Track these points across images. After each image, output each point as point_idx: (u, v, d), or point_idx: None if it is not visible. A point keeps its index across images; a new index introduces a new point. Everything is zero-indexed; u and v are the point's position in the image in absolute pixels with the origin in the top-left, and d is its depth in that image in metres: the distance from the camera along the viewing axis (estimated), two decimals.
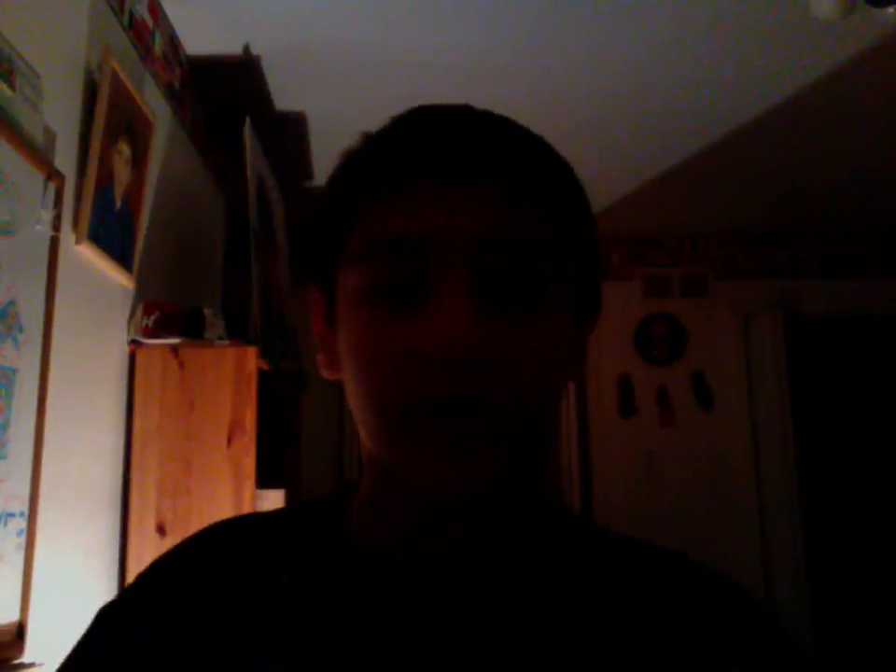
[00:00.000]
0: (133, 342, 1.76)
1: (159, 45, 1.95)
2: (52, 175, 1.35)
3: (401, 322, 0.45)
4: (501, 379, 0.44)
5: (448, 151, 0.46)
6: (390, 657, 0.46)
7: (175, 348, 1.76)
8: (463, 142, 0.47)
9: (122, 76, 1.62)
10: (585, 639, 0.47)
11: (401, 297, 0.45)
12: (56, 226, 1.36)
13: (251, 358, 1.78)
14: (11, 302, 1.21)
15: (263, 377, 1.82)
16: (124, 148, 1.67)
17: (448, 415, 0.43)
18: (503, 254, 0.45)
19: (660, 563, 0.53)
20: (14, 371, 1.22)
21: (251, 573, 0.50)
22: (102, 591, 1.63)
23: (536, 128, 0.51)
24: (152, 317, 1.75)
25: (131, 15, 1.77)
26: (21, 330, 1.24)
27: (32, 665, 1.23)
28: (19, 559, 1.23)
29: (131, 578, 1.70)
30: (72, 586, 1.48)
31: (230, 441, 1.73)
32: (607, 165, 2.82)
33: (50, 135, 1.38)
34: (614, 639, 0.47)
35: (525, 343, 0.45)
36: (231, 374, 1.76)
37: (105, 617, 0.51)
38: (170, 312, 1.78)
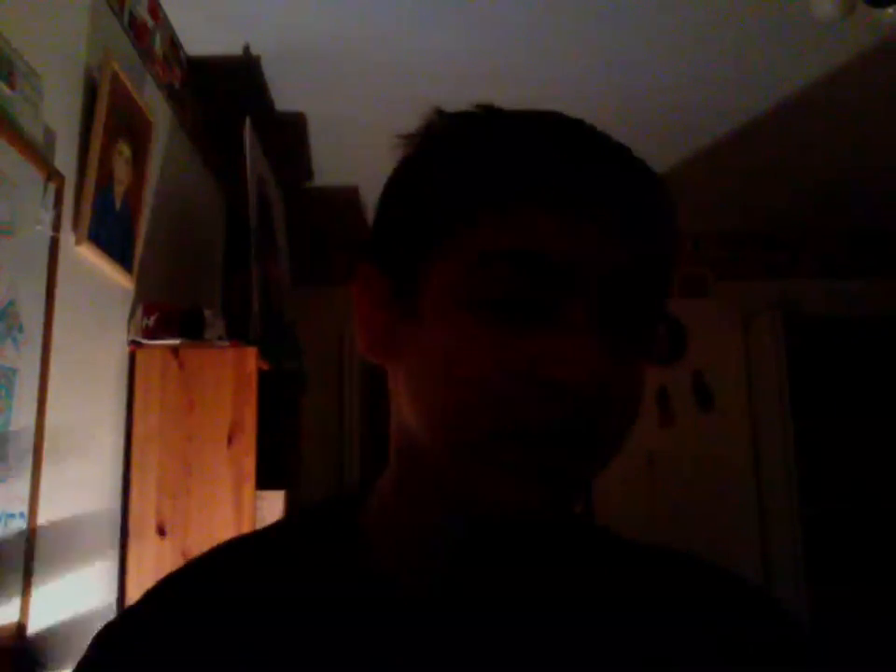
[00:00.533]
0: (132, 342, 1.76)
1: (159, 45, 1.95)
2: (52, 174, 1.35)
3: (513, 341, 0.43)
4: (609, 416, 0.44)
5: (585, 175, 0.44)
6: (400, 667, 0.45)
7: (174, 349, 1.76)
8: (597, 166, 0.45)
9: (122, 76, 1.62)
10: (610, 654, 0.47)
11: (518, 315, 0.43)
12: (56, 226, 1.36)
13: (251, 358, 1.78)
14: (11, 302, 1.21)
15: (263, 377, 1.82)
16: (124, 148, 1.67)
17: (546, 445, 0.42)
18: (630, 290, 0.44)
19: (675, 565, 0.54)
20: (14, 370, 1.22)
21: (264, 590, 0.49)
22: (102, 591, 1.63)
23: None
24: (152, 318, 1.75)
25: (131, 15, 1.77)
26: (20, 330, 1.24)
27: (32, 664, 1.23)
28: (19, 560, 1.23)
29: (131, 578, 1.70)
30: (72, 586, 1.48)
31: (230, 441, 1.73)
32: None
33: (50, 135, 1.38)
34: (638, 650, 0.47)
35: (634, 383, 0.45)
36: (231, 374, 1.76)
37: (109, 633, 0.50)
38: (170, 312, 1.78)
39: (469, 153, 0.46)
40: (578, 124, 0.48)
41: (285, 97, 2.39)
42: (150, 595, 0.52)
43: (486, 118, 0.48)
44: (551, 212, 0.43)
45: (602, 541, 0.54)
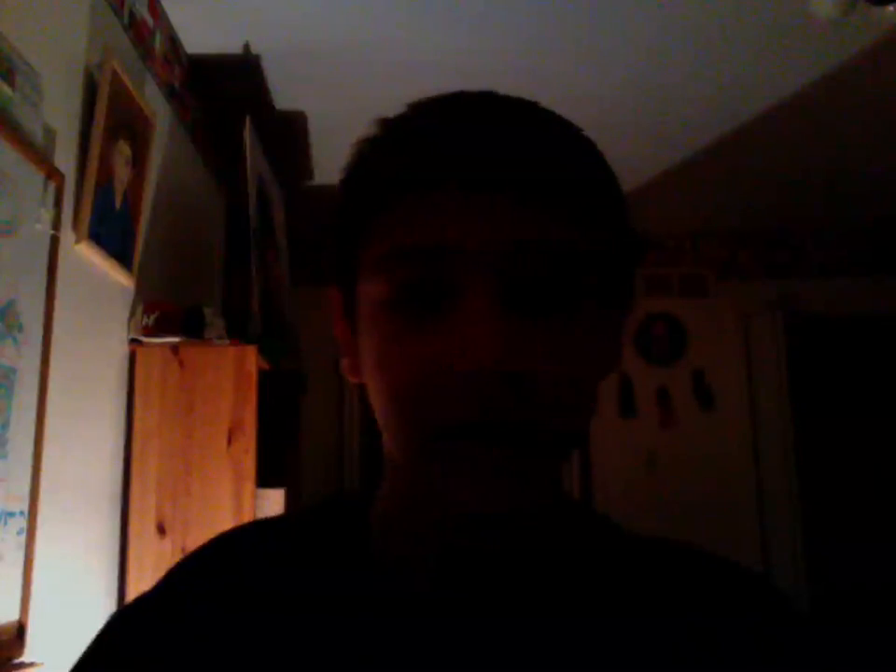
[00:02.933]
0: (133, 341, 1.76)
1: (159, 45, 1.95)
2: (52, 174, 1.35)
3: (424, 333, 0.43)
4: (536, 392, 0.42)
5: (470, 152, 0.43)
6: (405, 666, 0.45)
7: (175, 348, 1.76)
8: (487, 140, 0.43)
9: (122, 76, 1.62)
10: (611, 652, 0.46)
11: (423, 306, 0.43)
12: (56, 225, 1.36)
13: (251, 358, 1.77)
14: (11, 302, 1.21)
15: (263, 377, 1.82)
16: (124, 148, 1.67)
17: (480, 434, 0.42)
18: (530, 259, 0.42)
19: (674, 557, 0.54)
20: (14, 370, 1.22)
21: (265, 583, 0.49)
22: (102, 590, 1.63)
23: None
24: (152, 317, 1.75)
25: (131, 15, 1.77)
26: (20, 330, 1.24)
27: (32, 664, 1.23)
28: (19, 559, 1.23)
29: (131, 577, 1.70)
30: (72, 586, 1.48)
31: (230, 440, 1.73)
32: None
33: (50, 135, 1.38)
34: (636, 647, 0.47)
35: (556, 350, 0.43)
36: (231, 374, 1.76)
37: (115, 626, 0.51)
38: (170, 311, 1.78)
39: (371, 156, 0.47)
40: (489, 102, 0.46)
41: (285, 97, 2.39)
42: (161, 587, 0.52)
43: (392, 122, 0.48)
44: (441, 196, 0.43)
45: (601, 532, 0.54)
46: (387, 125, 0.48)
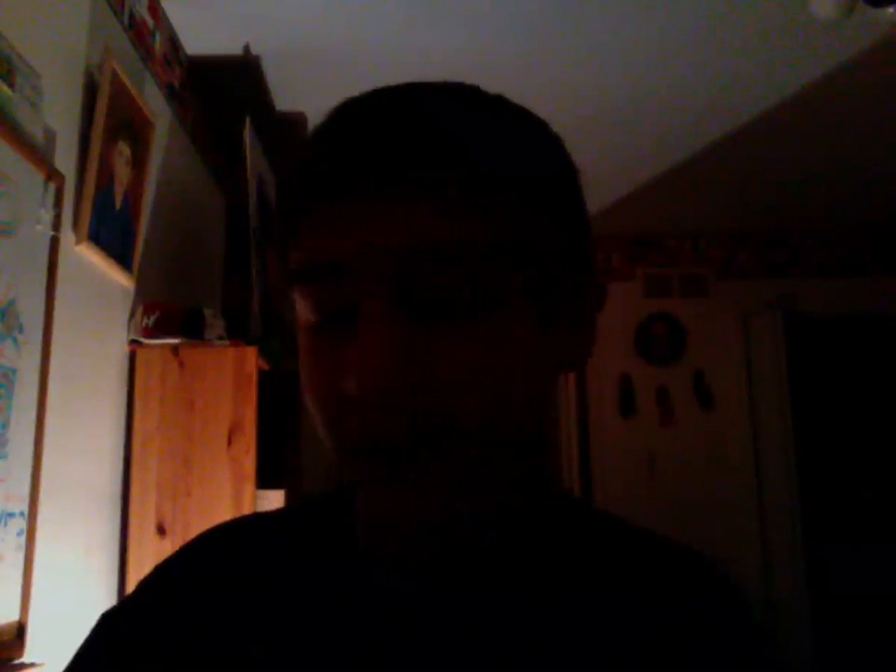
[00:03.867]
0: (133, 342, 1.76)
1: (159, 45, 1.95)
2: (52, 174, 1.35)
3: (332, 352, 0.42)
4: (444, 399, 0.40)
5: (375, 159, 0.41)
6: (394, 658, 0.45)
7: (175, 348, 1.76)
8: (393, 146, 0.41)
9: (122, 76, 1.62)
10: (580, 639, 0.47)
11: (333, 323, 0.42)
12: (56, 226, 1.36)
13: (251, 358, 1.77)
14: (11, 302, 1.21)
15: (263, 377, 1.82)
16: (124, 148, 1.67)
17: (392, 455, 0.41)
18: (432, 266, 0.40)
19: (628, 541, 0.53)
20: (14, 370, 1.22)
21: (257, 575, 0.50)
22: (102, 591, 1.63)
23: None
24: (152, 317, 1.75)
25: (131, 15, 1.77)
26: (20, 330, 1.24)
27: (32, 665, 1.23)
28: (19, 559, 1.23)
29: (131, 578, 1.70)
30: (72, 586, 1.48)
31: (230, 441, 1.73)
32: (606, 165, 2.82)
33: (50, 135, 1.38)
34: (600, 632, 0.47)
35: (468, 359, 0.41)
36: (231, 374, 1.76)
37: (109, 621, 0.51)
38: (170, 312, 1.78)
39: (282, 181, 0.47)
40: (405, 100, 0.45)
41: (285, 97, 2.39)
42: (147, 585, 0.52)
43: (320, 125, 0.46)
44: (339, 209, 0.41)
45: (581, 529, 0.53)
46: (314, 130, 0.47)
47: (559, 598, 0.47)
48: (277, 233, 0.46)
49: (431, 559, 0.47)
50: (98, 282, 1.62)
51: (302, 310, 0.44)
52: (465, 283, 0.41)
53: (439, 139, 0.41)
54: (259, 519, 0.57)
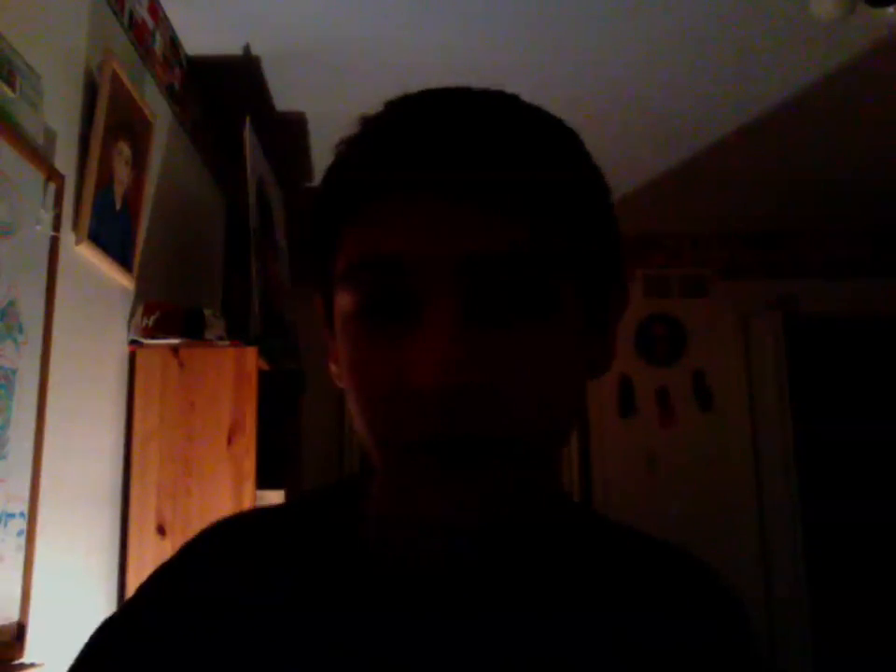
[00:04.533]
0: (133, 342, 1.76)
1: (159, 45, 1.95)
2: (52, 175, 1.35)
3: (390, 346, 0.42)
4: (501, 405, 0.41)
5: (433, 157, 0.42)
6: (401, 660, 0.45)
7: (175, 348, 1.76)
8: (455, 145, 0.42)
9: (122, 76, 1.62)
10: (583, 647, 0.47)
11: (389, 319, 0.42)
12: (56, 226, 1.36)
13: (251, 358, 1.78)
14: (11, 303, 1.21)
15: (263, 377, 1.82)
16: (124, 148, 1.67)
17: (444, 452, 0.41)
18: (495, 268, 0.41)
19: (654, 560, 0.55)
20: (14, 371, 1.22)
21: (262, 574, 0.49)
22: (102, 591, 1.64)
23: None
24: (152, 317, 1.75)
25: (131, 15, 1.77)
26: (20, 331, 1.24)
27: (32, 665, 1.23)
28: (19, 559, 1.23)
29: (131, 578, 1.70)
30: (72, 586, 1.48)
31: (230, 441, 1.73)
32: (606, 165, 2.80)
33: (50, 135, 1.38)
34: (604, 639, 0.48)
35: (522, 360, 0.42)
36: (231, 374, 1.76)
37: (109, 628, 0.50)
38: (170, 312, 1.78)
39: (340, 166, 0.47)
40: (458, 102, 0.45)
41: (285, 97, 2.39)
42: (147, 589, 0.51)
43: (377, 118, 0.46)
44: (395, 210, 0.42)
45: (591, 536, 0.54)
46: (362, 126, 0.47)
47: (566, 608, 0.48)
48: (328, 220, 0.46)
49: (447, 563, 0.47)
50: (98, 282, 1.62)
51: (352, 302, 0.44)
52: (526, 289, 0.42)
53: (507, 148, 0.42)
54: (259, 516, 0.56)
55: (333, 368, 0.52)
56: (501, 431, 0.41)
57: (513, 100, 0.47)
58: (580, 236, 0.45)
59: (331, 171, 0.48)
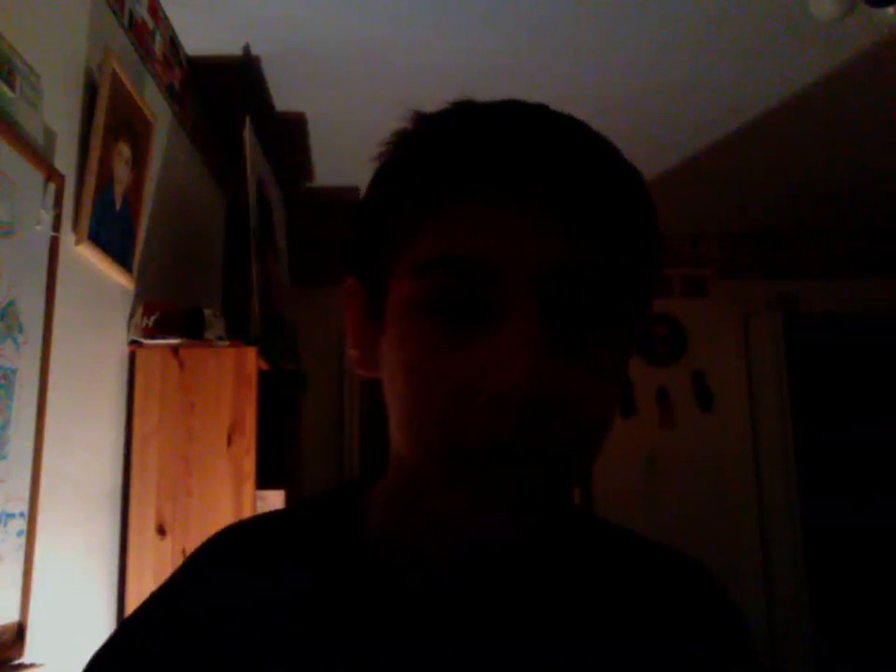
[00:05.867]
0: (133, 342, 1.76)
1: (159, 45, 1.95)
2: (52, 175, 1.35)
3: (461, 348, 0.42)
4: (563, 422, 0.41)
5: (522, 167, 0.42)
6: (401, 663, 0.45)
7: (175, 348, 1.76)
8: (537, 156, 0.42)
9: (122, 76, 1.62)
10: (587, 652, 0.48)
11: (463, 320, 0.42)
12: (56, 226, 1.36)
13: (251, 358, 1.78)
14: (11, 303, 1.21)
15: (263, 377, 1.82)
16: (124, 149, 1.67)
17: (504, 464, 0.41)
18: (575, 286, 0.42)
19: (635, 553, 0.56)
20: (14, 371, 1.22)
21: (263, 581, 0.48)
22: (102, 591, 1.63)
23: None
24: (152, 317, 1.75)
25: (131, 15, 1.77)
26: (20, 331, 1.24)
27: (32, 665, 1.23)
28: (19, 559, 1.23)
29: (131, 578, 1.70)
30: (72, 586, 1.48)
31: (230, 441, 1.73)
32: None
33: (50, 135, 1.38)
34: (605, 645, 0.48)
35: (590, 383, 0.42)
36: (231, 374, 1.76)
37: (110, 651, 0.50)
38: (170, 312, 1.78)
39: (414, 162, 0.46)
40: (538, 116, 0.46)
41: (285, 97, 2.39)
42: (152, 603, 0.50)
43: (440, 121, 0.46)
44: (484, 213, 0.42)
45: (601, 544, 0.55)
46: (436, 124, 0.46)
47: (567, 618, 0.48)
48: (401, 212, 0.45)
49: (453, 570, 0.47)
50: (98, 282, 1.62)
51: (426, 296, 0.43)
52: (600, 306, 0.42)
53: (592, 169, 0.43)
54: (260, 523, 0.55)
55: (357, 355, 0.51)
56: (553, 445, 0.41)
57: (585, 124, 0.47)
58: (642, 266, 0.46)
59: (405, 158, 0.47)
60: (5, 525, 1.19)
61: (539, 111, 0.46)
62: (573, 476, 0.43)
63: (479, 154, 0.43)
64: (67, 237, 1.44)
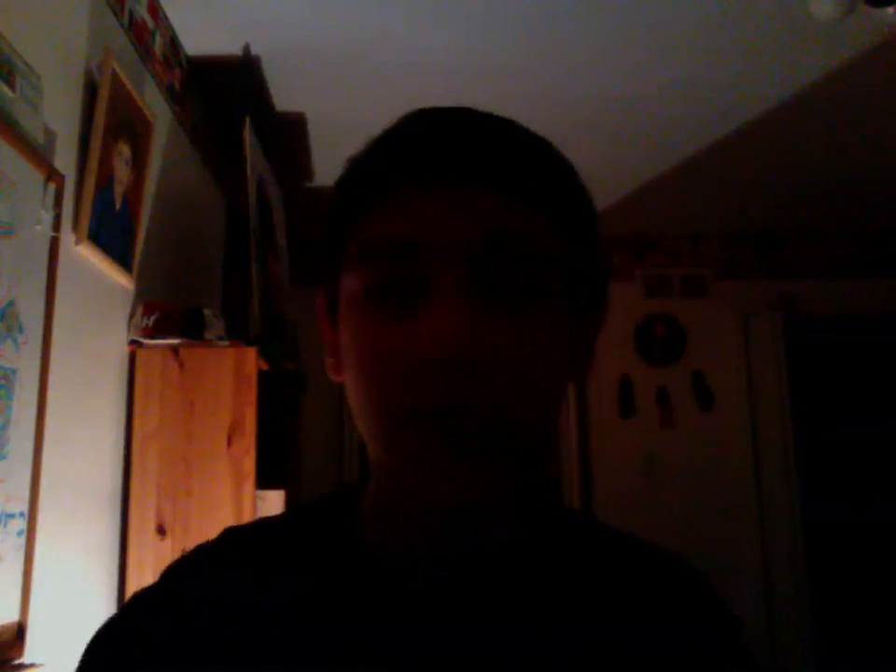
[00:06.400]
0: (133, 342, 1.76)
1: (159, 45, 1.95)
2: (52, 175, 1.35)
3: (399, 324, 0.45)
4: (500, 380, 0.44)
5: (444, 152, 0.46)
6: (400, 661, 0.45)
7: (175, 348, 1.76)
8: (460, 143, 0.46)
9: (122, 76, 1.62)
10: (577, 643, 0.48)
11: (399, 299, 0.45)
12: (56, 226, 1.36)
13: (251, 358, 1.78)
14: (11, 303, 1.21)
15: (263, 377, 1.82)
16: (124, 148, 1.67)
17: (446, 421, 0.43)
18: (501, 254, 0.45)
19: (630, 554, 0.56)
20: (14, 371, 1.22)
21: (262, 582, 0.49)
22: (102, 591, 1.64)
23: (535, 129, 0.51)
24: (152, 317, 1.75)
25: (131, 15, 1.77)
26: (20, 331, 1.24)
27: (32, 665, 1.23)
28: (19, 559, 1.23)
29: (131, 578, 1.70)
30: (72, 586, 1.48)
31: (230, 441, 1.73)
32: (606, 165, 2.82)
33: (50, 135, 1.38)
34: (596, 639, 0.48)
35: (523, 343, 0.45)
36: (231, 374, 1.76)
37: (111, 630, 0.50)
38: (170, 312, 1.78)
39: (358, 162, 0.51)
40: (465, 113, 0.49)
41: (285, 97, 2.39)
42: (144, 597, 0.51)
43: (390, 126, 0.51)
44: (416, 193, 0.45)
45: (588, 541, 0.55)
46: (371, 140, 0.51)
47: (563, 616, 0.48)
48: (343, 210, 0.50)
49: (447, 563, 0.48)
50: (98, 282, 1.62)
51: (363, 284, 0.46)
52: (528, 273, 0.45)
53: (509, 145, 0.48)
54: (260, 524, 0.56)
55: (330, 362, 0.53)
56: (491, 401, 0.44)
57: (511, 120, 0.51)
58: (573, 239, 0.49)
59: (347, 168, 0.51)
60: (5, 525, 1.19)
61: (465, 111, 0.50)
62: (519, 432, 0.45)
63: (413, 146, 0.47)
64: (67, 237, 1.44)
